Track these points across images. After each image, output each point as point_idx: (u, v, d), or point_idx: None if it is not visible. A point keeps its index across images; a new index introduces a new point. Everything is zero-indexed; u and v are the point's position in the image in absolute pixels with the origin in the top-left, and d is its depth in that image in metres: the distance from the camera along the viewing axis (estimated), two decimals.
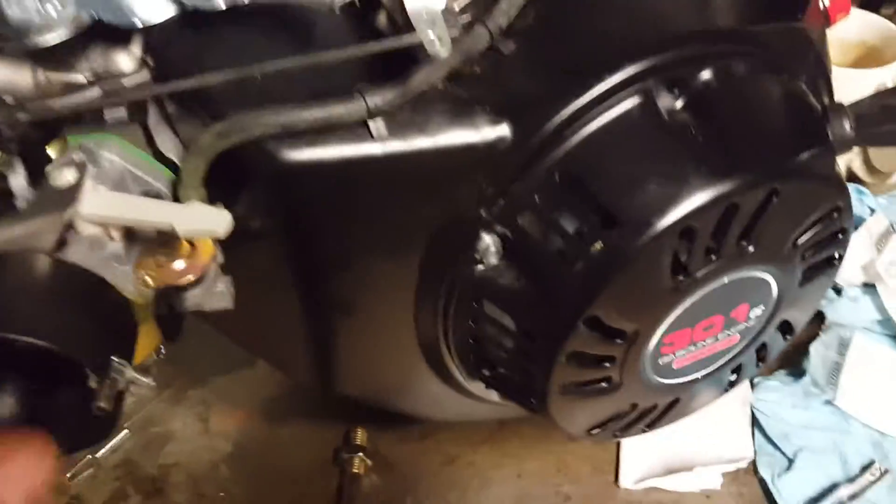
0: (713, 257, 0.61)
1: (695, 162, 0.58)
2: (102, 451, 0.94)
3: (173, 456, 0.94)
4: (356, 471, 0.89)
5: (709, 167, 0.58)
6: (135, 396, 1.00)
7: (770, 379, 0.95)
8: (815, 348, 0.96)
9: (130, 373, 0.52)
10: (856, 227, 1.03)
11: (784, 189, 0.59)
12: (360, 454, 0.90)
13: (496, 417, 0.87)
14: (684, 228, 0.57)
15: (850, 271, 1.00)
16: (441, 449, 0.93)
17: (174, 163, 0.61)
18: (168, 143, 0.61)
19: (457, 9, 0.60)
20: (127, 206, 0.50)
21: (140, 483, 0.91)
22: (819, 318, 0.99)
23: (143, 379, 1.03)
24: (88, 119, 0.59)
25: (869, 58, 1.19)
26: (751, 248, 0.61)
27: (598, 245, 0.58)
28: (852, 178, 1.19)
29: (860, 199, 1.10)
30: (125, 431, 0.96)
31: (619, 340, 0.63)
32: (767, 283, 0.66)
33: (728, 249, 0.60)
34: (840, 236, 0.68)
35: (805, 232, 0.64)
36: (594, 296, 0.59)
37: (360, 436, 0.92)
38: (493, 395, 0.80)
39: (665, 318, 0.63)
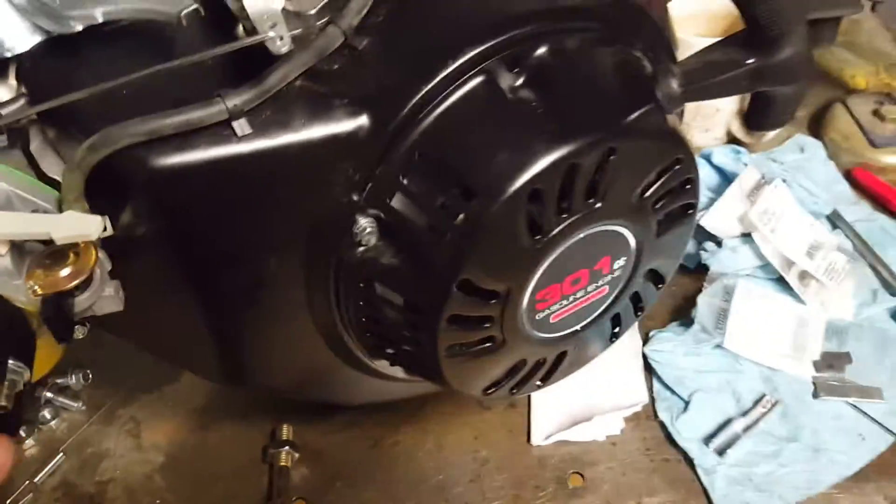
0: (564, 216, 0.66)
1: (535, 131, 0.64)
2: (40, 476, 0.96)
3: (109, 472, 0.97)
4: (284, 464, 0.93)
5: (548, 134, 0.64)
6: (67, 422, 1.03)
7: (663, 331, 1.02)
8: (702, 299, 1.03)
9: (28, 375, 0.56)
10: (728, 179, 1.11)
11: (619, 147, 0.65)
12: (287, 448, 0.94)
13: (412, 394, 0.92)
14: (532, 191, 0.63)
15: (727, 224, 1.08)
16: (366, 434, 0.98)
17: (57, 181, 0.65)
18: (53, 166, 0.65)
19: (312, 11, 0.65)
20: (6, 221, 0.54)
21: (79, 501, 0.94)
22: (704, 270, 1.07)
23: (74, 404, 1.06)
24: None
25: (736, 27, 1.27)
26: (598, 205, 0.67)
27: (461, 216, 0.64)
28: (733, 139, 1.27)
29: (737, 158, 1.18)
30: (61, 455, 0.98)
31: (493, 301, 0.69)
32: (623, 236, 0.73)
33: (577, 207, 0.66)
34: (687, 186, 0.75)
35: (650, 185, 0.71)
36: (462, 261, 0.65)
37: (286, 431, 0.97)
38: (401, 373, 0.85)
39: (531, 275, 0.69)
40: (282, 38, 0.59)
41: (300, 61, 0.62)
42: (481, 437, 0.96)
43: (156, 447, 0.99)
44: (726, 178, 1.14)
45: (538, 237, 0.66)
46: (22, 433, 1.00)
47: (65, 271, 0.57)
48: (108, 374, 1.07)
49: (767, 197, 1.06)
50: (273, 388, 0.83)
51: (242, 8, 0.59)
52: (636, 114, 0.66)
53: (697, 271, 1.09)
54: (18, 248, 0.59)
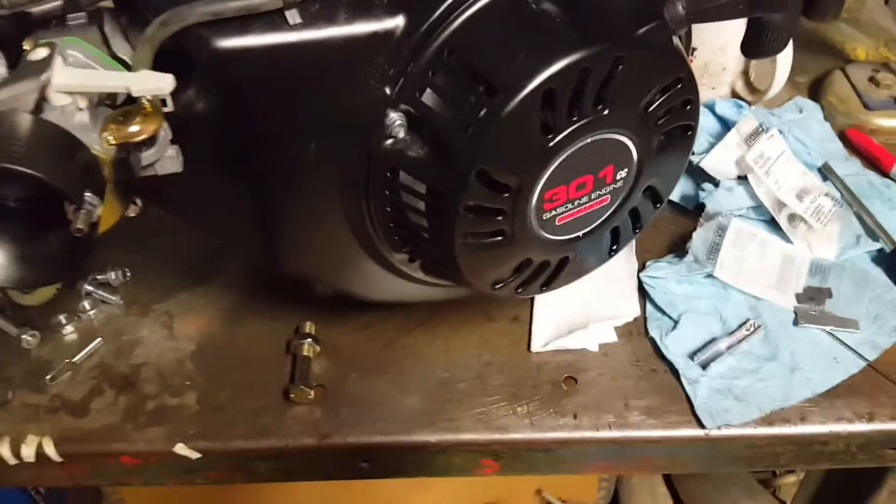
0: (574, 118, 0.75)
1: (553, 37, 0.73)
2: (79, 355, 1.05)
3: (142, 357, 1.05)
4: (306, 354, 1.02)
5: (564, 41, 0.72)
6: (104, 313, 1.12)
7: (658, 261, 1.10)
8: (697, 233, 1.11)
9: (100, 211, 0.64)
10: (729, 129, 1.19)
11: (627, 57, 0.73)
12: (310, 340, 1.03)
13: (426, 299, 1.01)
14: (547, 91, 0.72)
15: (725, 166, 1.16)
16: (381, 335, 1.06)
17: (126, 62, 0.73)
18: (121, 47, 0.74)
19: None
20: (90, 76, 0.63)
21: (114, 380, 1.03)
22: (701, 209, 1.15)
23: (112, 297, 1.15)
24: (54, 24, 0.71)
25: None
26: (606, 111, 0.76)
27: (484, 111, 0.72)
28: (736, 96, 1.35)
29: (738, 109, 1.26)
30: (98, 339, 1.07)
31: (506, 194, 0.77)
32: (628, 147, 0.81)
33: (586, 111, 0.75)
34: (688, 107, 0.83)
35: (654, 99, 0.79)
36: (481, 153, 0.73)
37: (310, 327, 1.05)
38: (419, 273, 0.93)
39: (542, 173, 0.77)
40: None
41: None
42: (485, 344, 1.04)
43: (188, 337, 1.07)
44: (727, 127, 1.22)
45: (550, 136, 0.75)
46: (62, 319, 1.09)
47: (134, 127, 0.65)
48: (146, 275, 1.16)
49: (763, 143, 1.14)
50: (301, 273, 0.92)
51: None
52: (645, 28, 0.74)
53: (695, 212, 1.17)
54: (94, 105, 0.67)
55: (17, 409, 1.00)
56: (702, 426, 0.94)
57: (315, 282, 1.00)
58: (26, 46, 0.67)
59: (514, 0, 0.74)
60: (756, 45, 0.84)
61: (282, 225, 0.85)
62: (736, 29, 0.92)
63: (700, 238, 1.11)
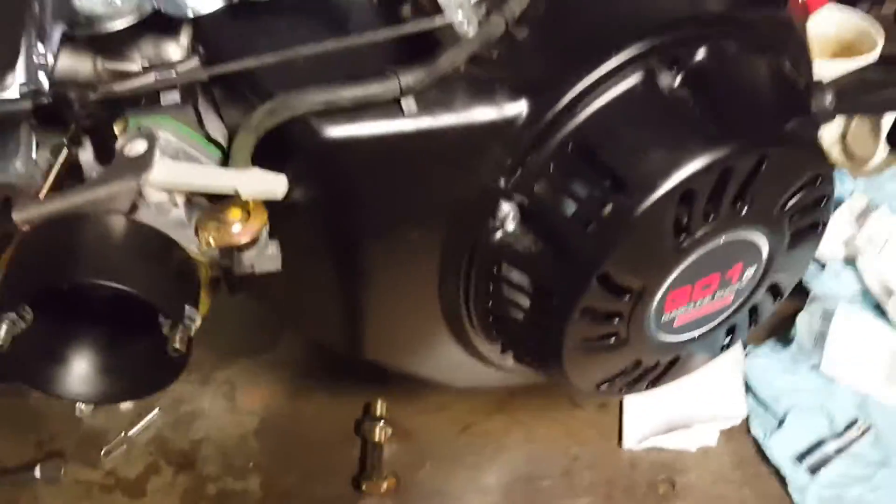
0: (711, 218, 0.67)
1: (693, 131, 0.65)
2: (135, 429, 0.99)
3: (202, 431, 0.99)
4: (378, 439, 0.95)
5: (705, 135, 0.65)
6: None
7: (761, 347, 1.02)
8: (801, 319, 1.03)
9: (199, 321, 0.58)
10: (837, 206, 1.11)
11: (773, 154, 0.66)
12: (381, 423, 0.96)
13: (508, 384, 0.93)
14: (685, 191, 0.64)
15: (832, 247, 1.08)
16: (457, 418, 0.99)
17: (218, 142, 0.67)
18: (213, 125, 0.68)
19: (474, 1, 0.67)
20: (194, 173, 0.56)
21: (172, 457, 0.96)
22: (805, 292, 1.07)
23: None
24: (146, 102, 0.65)
25: (846, 51, 1.27)
26: (744, 210, 0.68)
27: (609, 208, 0.65)
28: (833, 164, 1.27)
29: (841, 182, 1.18)
30: (156, 410, 1.00)
31: (627, 297, 0.69)
32: (759, 246, 0.73)
33: (724, 211, 0.67)
34: (823, 203, 0.75)
35: (792, 196, 0.71)
36: (606, 254, 0.66)
37: (381, 407, 0.98)
38: (508, 362, 0.86)
39: (668, 275, 0.70)
40: (468, 21, 0.60)
41: (467, 47, 0.64)
42: (572, 435, 0.97)
43: (250, 412, 1.01)
44: None
45: (683, 237, 0.67)
46: None
47: (237, 227, 0.59)
48: (206, 338, 1.09)
49: (873, 224, 1.06)
50: (383, 359, 0.85)
51: None
52: (792, 123, 0.67)
53: (795, 291, 1.08)
54: (189, 200, 0.61)
55: (69, 486, 0.93)
56: None
57: (392, 367, 0.92)
58: (117, 130, 0.61)
59: (647, 89, 0.66)
60: None
61: (371, 313, 0.78)
62: None
63: (805, 324, 1.03)
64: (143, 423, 1.00)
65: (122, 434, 0.98)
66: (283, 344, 1.08)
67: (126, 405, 1.01)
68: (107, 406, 1.00)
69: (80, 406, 0.99)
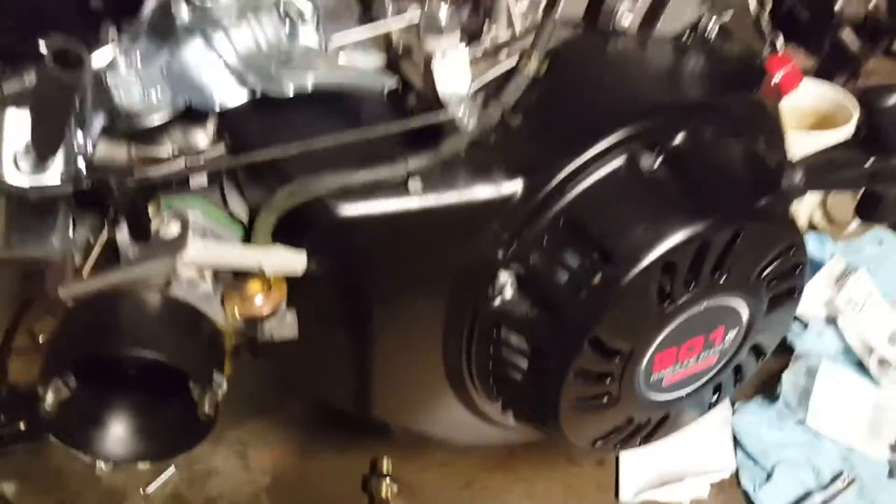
0: (692, 286, 0.73)
1: (673, 208, 0.72)
2: (152, 485, 1.03)
3: (217, 489, 1.03)
4: (384, 496, 0.99)
5: (684, 212, 0.71)
6: None
7: (748, 403, 1.07)
8: (786, 376, 1.08)
9: (225, 386, 0.63)
10: (818, 269, 1.17)
11: (747, 228, 0.72)
12: (387, 480, 1.00)
13: (508, 442, 0.98)
14: (667, 262, 0.70)
15: (814, 307, 1.14)
16: (459, 474, 1.03)
17: (240, 219, 0.73)
18: (236, 203, 0.74)
19: (472, 91, 0.75)
20: (223, 253, 0.62)
21: None
22: (789, 350, 1.12)
23: None
24: (176, 184, 0.72)
25: (823, 123, 1.34)
26: (723, 279, 0.74)
27: (598, 277, 0.71)
28: (814, 227, 1.33)
29: (822, 245, 1.24)
30: (172, 468, 1.05)
31: (617, 358, 0.75)
32: (739, 310, 0.79)
33: (704, 280, 0.73)
34: (797, 271, 0.81)
35: (768, 265, 0.77)
36: (597, 319, 0.72)
37: (386, 464, 1.03)
38: (509, 420, 0.91)
39: (655, 338, 0.76)
40: (467, 117, 0.67)
41: (468, 135, 0.71)
42: (570, 490, 1.01)
43: (262, 470, 1.05)
44: (812, 265, 1.19)
45: (667, 304, 0.73)
46: None
47: (259, 299, 0.65)
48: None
49: (852, 285, 1.12)
50: (390, 418, 0.90)
51: (433, 89, 0.67)
52: (764, 200, 0.74)
53: (780, 350, 1.14)
54: (216, 275, 0.67)
55: None
56: None
57: (398, 426, 0.97)
58: (151, 211, 0.67)
59: (630, 170, 0.73)
60: (872, 213, 0.83)
61: (379, 374, 0.83)
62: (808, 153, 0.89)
63: (790, 381, 1.08)
64: (159, 480, 1.04)
65: (141, 491, 1.02)
66: (292, 403, 1.13)
67: (143, 464, 1.06)
68: (125, 464, 1.05)
69: (101, 464, 1.04)
